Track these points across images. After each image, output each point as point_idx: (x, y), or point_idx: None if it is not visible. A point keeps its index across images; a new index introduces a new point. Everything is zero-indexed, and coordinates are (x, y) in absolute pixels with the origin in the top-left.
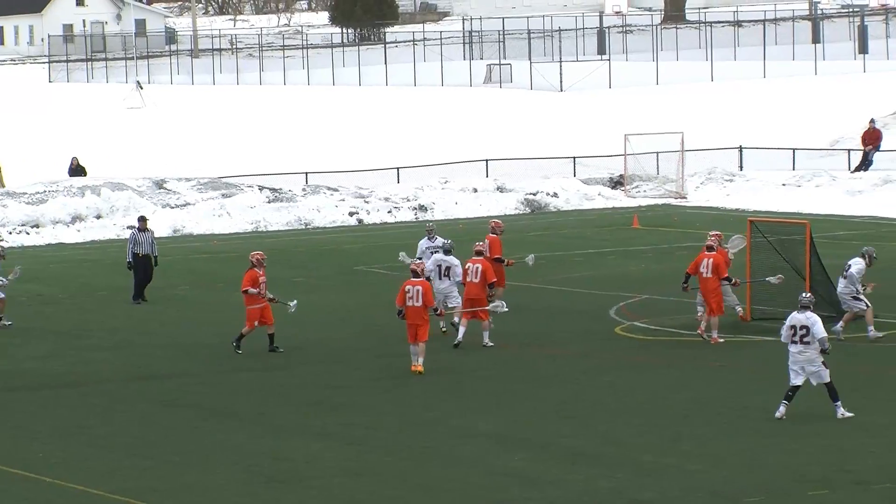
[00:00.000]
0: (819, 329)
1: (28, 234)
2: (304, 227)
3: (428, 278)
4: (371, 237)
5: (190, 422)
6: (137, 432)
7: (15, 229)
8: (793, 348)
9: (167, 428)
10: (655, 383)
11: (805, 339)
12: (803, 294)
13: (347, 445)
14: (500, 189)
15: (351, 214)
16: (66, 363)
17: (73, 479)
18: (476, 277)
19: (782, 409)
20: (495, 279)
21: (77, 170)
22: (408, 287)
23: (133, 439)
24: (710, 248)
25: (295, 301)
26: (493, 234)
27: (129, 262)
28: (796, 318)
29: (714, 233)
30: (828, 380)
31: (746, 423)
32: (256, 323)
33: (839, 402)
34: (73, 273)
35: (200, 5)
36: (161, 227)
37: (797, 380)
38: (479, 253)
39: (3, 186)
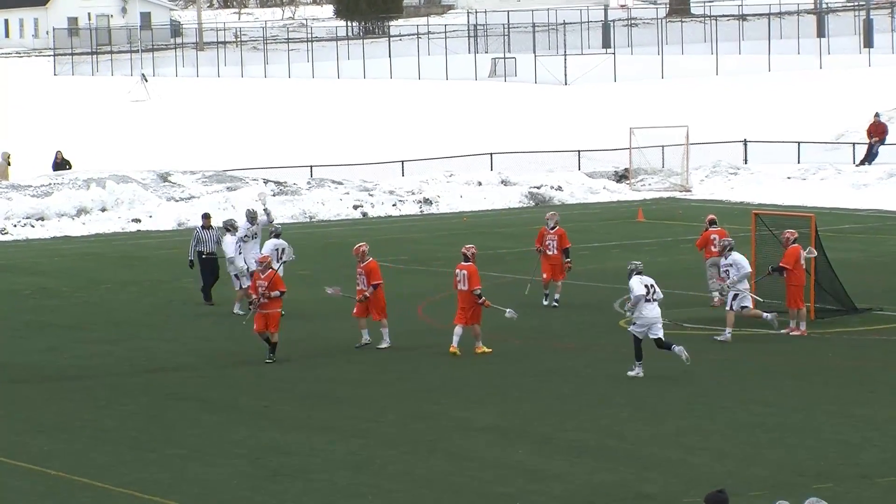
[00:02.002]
0: (658, 290)
1: (33, 226)
2: (308, 220)
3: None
4: (376, 230)
5: (194, 415)
6: (142, 425)
7: (20, 222)
8: (647, 309)
9: (171, 421)
10: (659, 376)
11: (655, 297)
12: (635, 262)
13: (351, 439)
14: (505, 182)
15: (355, 207)
16: (71, 356)
17: (78, 472)
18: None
19: (639, 369)
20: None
21: (62, 164)
22: (456, 271)
23: (137, 432)
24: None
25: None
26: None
27: (190, 261)
28: (643, 279)
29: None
30: (662, 335)
31: (750, 417)
32: (255, 327)
33: (674, 346)
34: (78, 266)
35: None
36: (165, 220)
37: (641, 335)
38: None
39: (7, 179)
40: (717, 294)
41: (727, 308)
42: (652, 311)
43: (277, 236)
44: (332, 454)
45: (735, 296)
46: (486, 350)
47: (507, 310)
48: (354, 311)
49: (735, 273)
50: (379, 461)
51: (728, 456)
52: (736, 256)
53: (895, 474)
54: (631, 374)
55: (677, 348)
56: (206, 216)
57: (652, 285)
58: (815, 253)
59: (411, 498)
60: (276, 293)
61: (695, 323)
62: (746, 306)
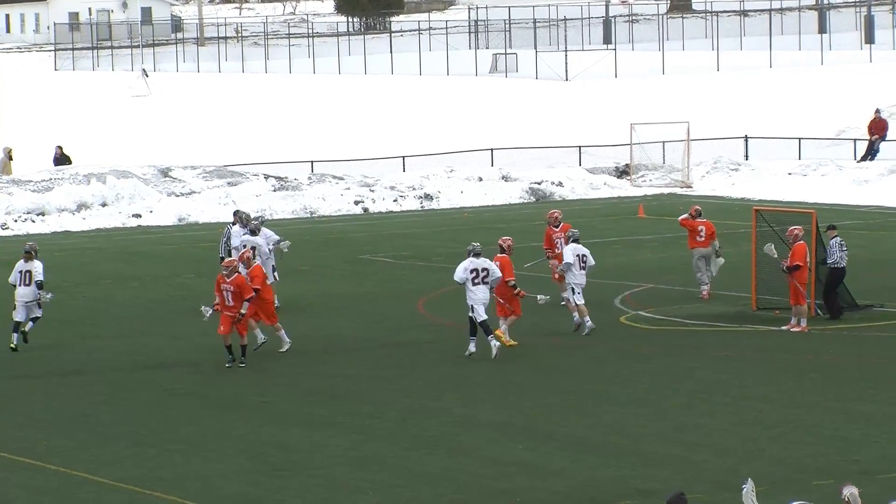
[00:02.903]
0: (495, 270)
1: (34, 221)
2: (309, 215)
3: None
4: (376, 226)
5: (194, 410)
6: (142, 421)
7: (20, 217)
8: (476, 290)
9: (172, 416)
10: (660, 373)
11: (485, 280)
12: (474, 244)
13: (351, 434)
14: (506, 178)
15: (356, 203)
16: (71, 351)
17: (78, 467)
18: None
19: (472, 346)
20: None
21: (61, 159)
22: (493, 263)
23: (137, 427)
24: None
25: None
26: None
27: (220, 258)
28: (475, 262)
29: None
30: (485, 317)
31: (751, 414)
32: (220, 329)
33: (492, 337)
34: (79, 261)
35: None
36: (166, 215)
37: (474, 314)
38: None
39: (10, 174)
40: (705, 287)
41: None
42: (478, 293)
43: (253, 233)
44: (332, 450)
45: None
46: (513, 343)
47: (539, 295)
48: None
49: (564, 264)
50: (379, 457)
51: (729, 452)
52: (568, 248)
53: (895, 471)
54: (469, 349)
55: (493, 343)
56: (237, 213)
57: (485, 269)
58: (775, 253)
59: (412, 494)
60: (248, 299)
61: (696, 319)
62: (568, 299)
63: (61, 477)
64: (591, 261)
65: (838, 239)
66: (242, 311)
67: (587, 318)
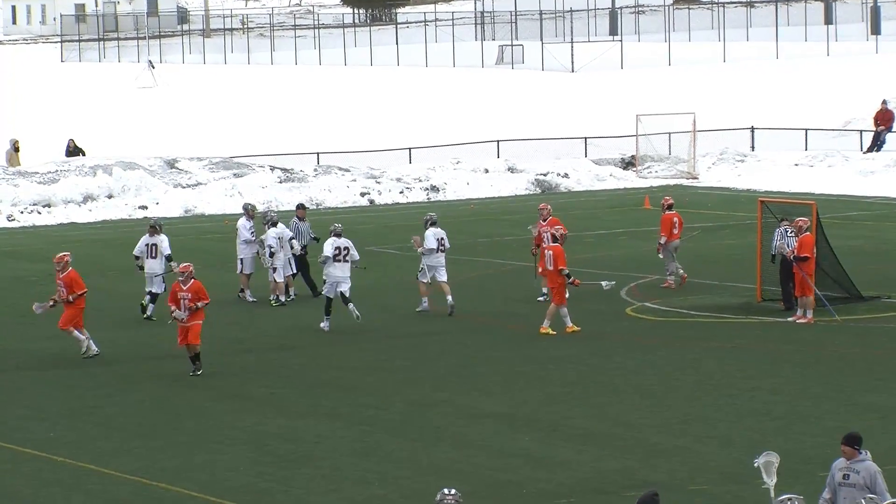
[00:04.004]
0: (354, 251)
1: (40, 213)
2: (315, 207)
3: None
4: (383, 217)
5: (200, 402)
6: (147, 412)
7: (27, 209)
8: (335, 268)
9: (177, 408)
10: (665, 364)
11: (346, 258)
12: (336, 224)
13: (357, 426)
14: (512, 170)
15: (363, 195)
16: (77, 343)
17: (84, 459)
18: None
19: (326, 323)
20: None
21: (74, 151)
22: (545, 252)
23: (143, 419)
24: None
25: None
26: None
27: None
28: (338, 241)
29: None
30: (347, 293)
31: (756, 405)
32: (178, 341)
33: (351, 304)
34: (85, 253)
35: None
36: (172, 206)
37: (331, 294)
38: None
39: (20, 165)
40: (680, 273)
41: (421, 280)
42: (337, 271)
43: (275, 225)
44: (338, 441)
45: (422, 269)
46: (551, 332)
47: (603, 282)
48: (60, 322)
49: (426, 246)
50: (385, 448)
51: (734, 444)
52: (429, 232)
53: None
54: (321, 325)
55: (351, 306)
56: (300, 206)
57: (346, 248)
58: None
59: (417, 485)
60: (202, 304)
61: (701, 310)
62: (434, 279)
63: (67, 468)
64: (446, 243)
65: (787, 228)
66: (182, 315)
67: (449, 295)
